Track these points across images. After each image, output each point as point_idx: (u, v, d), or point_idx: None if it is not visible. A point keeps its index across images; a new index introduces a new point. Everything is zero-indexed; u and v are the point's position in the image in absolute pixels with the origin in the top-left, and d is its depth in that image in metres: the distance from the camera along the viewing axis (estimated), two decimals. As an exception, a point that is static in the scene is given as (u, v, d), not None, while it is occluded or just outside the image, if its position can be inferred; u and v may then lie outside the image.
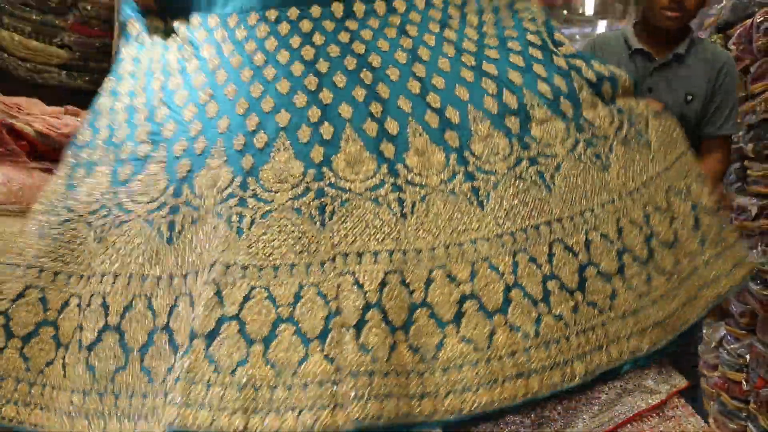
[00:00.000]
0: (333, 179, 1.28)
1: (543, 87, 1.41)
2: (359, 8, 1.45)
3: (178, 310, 1.21)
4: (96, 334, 1.23)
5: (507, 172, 1.33)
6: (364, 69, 1.39)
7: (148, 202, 1.30)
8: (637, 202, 1.36)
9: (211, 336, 1.15)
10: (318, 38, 1.42)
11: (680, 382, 1.36)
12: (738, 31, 2.74)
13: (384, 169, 1.30)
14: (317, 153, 1.30)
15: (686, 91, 2.03)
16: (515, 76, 1.42)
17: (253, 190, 1.26)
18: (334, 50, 1.41)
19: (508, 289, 1.24)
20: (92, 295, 1.26)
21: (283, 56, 1.41)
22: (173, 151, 1.33)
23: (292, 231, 1.23)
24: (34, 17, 2.24)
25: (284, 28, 1.44)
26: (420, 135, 1.34)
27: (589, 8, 7.62)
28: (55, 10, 2.29)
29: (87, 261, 1.30)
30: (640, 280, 1.30)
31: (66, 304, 1.27)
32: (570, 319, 1.24)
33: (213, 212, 1.25)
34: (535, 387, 1.20)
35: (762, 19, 2.50)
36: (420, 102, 1.37)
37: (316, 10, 1.44)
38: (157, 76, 1.45)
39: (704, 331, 2.97)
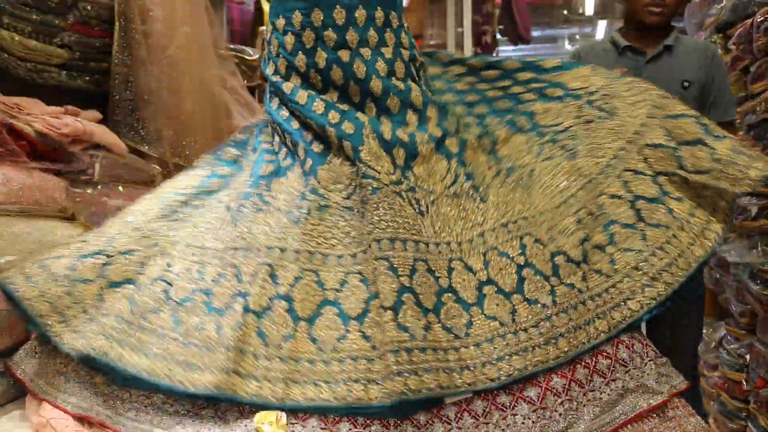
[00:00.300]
0: (364, 169, 1.42)
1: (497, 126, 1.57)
2: (353, 37, 1.51)
3: (222, 280, 1.36)
4: (150, 280, 1.40)
5: (494, 178, 1.49)
6: (370, 96, 1.50)
7: (228, 195, 1.51)
8: (611, 176, 1.45)
9: (262, 313, 1.29)
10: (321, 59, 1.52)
11: (680, 383, 1.37)
12: (738, 31, 2.74)
13: (398, 172, 1.44)
14: (347, 147, 1.45)
15: (682, 78, 2.09)
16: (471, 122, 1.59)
17: (311, 186, 1.44)
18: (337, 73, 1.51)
19: (520, 269, 1.37)
20: (162, 255, 1.43)
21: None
22: (261, 159, 1.56)
23: (343, 226, 1.39)
24: (34, 17, 2.22)
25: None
26: (426, 143, 1.48)
27: (589, 8, 7.63)
28: (55, 10, 2.26)
29: (174, 236, 1.47)
30: (635, 240, 1.40)
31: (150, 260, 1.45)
32: (582, 286, 1.36)
33: (277, 207, 1.44)
34: (565, 348, 1.31)
35: (762, 19, 2.50)
36: (423, 115, 1.51)
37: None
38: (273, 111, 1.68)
39: (704, 331, 2.97)
